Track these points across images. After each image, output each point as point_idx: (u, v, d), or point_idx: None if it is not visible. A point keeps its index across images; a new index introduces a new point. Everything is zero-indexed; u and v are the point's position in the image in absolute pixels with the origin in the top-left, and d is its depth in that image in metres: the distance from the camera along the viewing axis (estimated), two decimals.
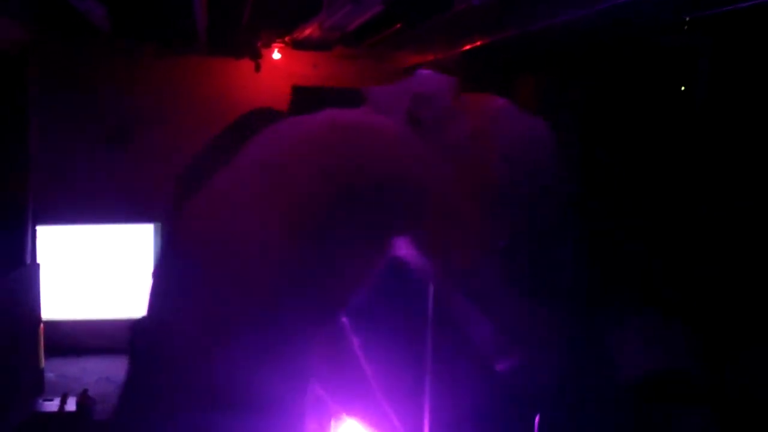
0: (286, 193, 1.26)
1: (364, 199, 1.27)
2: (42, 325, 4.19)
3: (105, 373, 4.50)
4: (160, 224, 5.04)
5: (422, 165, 1.33)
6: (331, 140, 1.32)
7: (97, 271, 5.06)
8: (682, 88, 3.57)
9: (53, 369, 4.45)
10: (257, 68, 4.84)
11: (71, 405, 3.62)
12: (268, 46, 4.76)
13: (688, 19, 3.04)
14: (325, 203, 1.25)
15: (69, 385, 4.17)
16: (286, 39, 4.63)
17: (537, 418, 2.75)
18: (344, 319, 1.58)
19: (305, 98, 4.95)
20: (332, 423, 1.86)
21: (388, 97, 1.49)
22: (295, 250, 1.22)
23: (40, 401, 3.78)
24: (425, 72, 1.56)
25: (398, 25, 3.73)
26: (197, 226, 1.32)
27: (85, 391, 3.70)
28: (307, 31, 4.18)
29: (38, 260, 4.24)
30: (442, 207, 1.33)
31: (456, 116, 1.44)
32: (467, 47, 3.94)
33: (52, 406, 3.66)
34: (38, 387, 4.13)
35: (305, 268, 1.24)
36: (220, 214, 1.28)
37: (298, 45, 4.65)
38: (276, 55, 4.84)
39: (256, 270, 1.22)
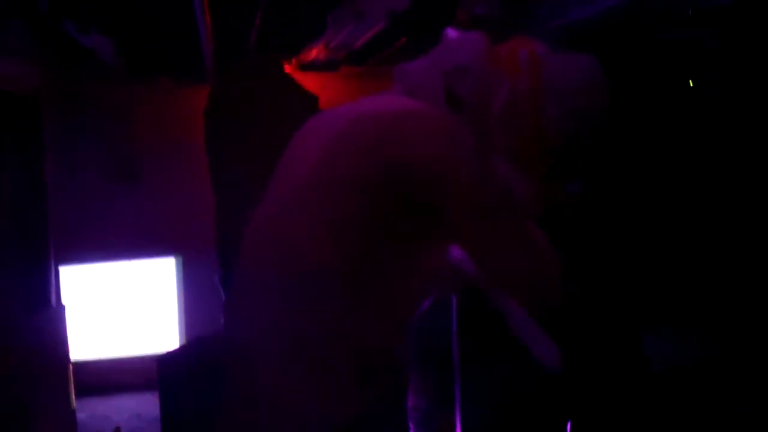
0: (331, 209, 1.19)
1: (406, 201, 1.19)
2: (71, 365, 4.19)
3: (136, 410, 4.49)
4: (180, 257, 5.05)
5: (456, 158, 1.20)
6: (364, 144, 1.22)
7: (121, 308, 5.07)
8: (690, 83, 3.55)
9: (84, 409, 4.45)
10: None
11: None
12: None
13: (691, 11, 3.02)
14: (368, 213, 1.18)
15: (101, 424, 4.16)
16: (293, 62, 4.65)
17: (569, 425, 2.70)
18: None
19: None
20: None
21: (418, 76, 1.37)
22: (348, 263, 1.17)
23: None
24: (453, 34, 1.41)
25: (402, 40, 3.75)
26: (260, 251, 1.29)
27: (117, 429, 3.70)
28: (314, 53, 4.20)
29: (63, 301, 4.25)
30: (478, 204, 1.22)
31: (496, 80, 1.31)
32: None
33: None
34: (71, 428, 4.12)
35: (366, 277, 1.19)
36: (278, 238, 1.24)
37: (305, 67, 4.67)
38: None
39: (321, 290, 1.18)
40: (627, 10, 2.82)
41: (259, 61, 3.75)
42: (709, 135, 3.40)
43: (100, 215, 4.78)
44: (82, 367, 4.60)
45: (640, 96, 3.59)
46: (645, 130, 3.63)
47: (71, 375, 4.19)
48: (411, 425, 1.29)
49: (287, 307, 1.21)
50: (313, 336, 1.18)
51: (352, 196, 1.18)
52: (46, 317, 3.98)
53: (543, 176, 1.30)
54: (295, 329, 1.19)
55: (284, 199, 1.28)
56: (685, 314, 3.17)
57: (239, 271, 1.36)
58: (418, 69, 1.38)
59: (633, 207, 3.38)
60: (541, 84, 1.31)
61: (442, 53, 1.38)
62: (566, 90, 1.30)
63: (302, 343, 1.18)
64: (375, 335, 1.21)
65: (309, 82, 4.99)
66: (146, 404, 4.52)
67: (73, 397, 4.22)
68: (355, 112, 1.29)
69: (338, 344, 1.18)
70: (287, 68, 4.81)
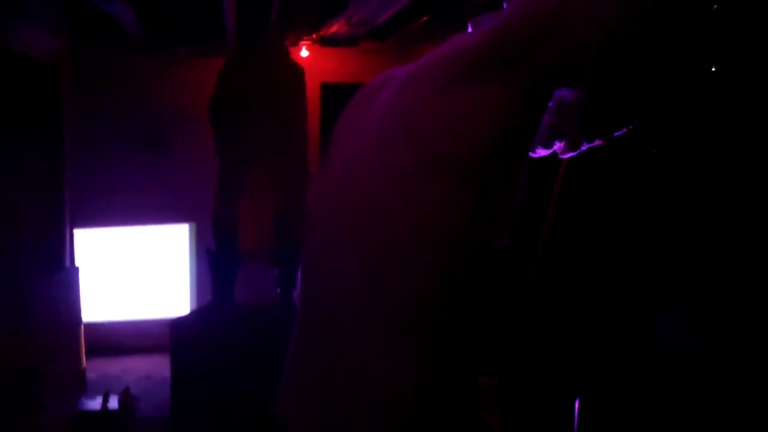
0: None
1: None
2: (82, 326, 4.27)
3: (145, 372, 4.57)
4: (194, 224, 5.10)
5: None
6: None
7: (134, 272, 5.13)
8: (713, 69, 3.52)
9: (94, 369, 4.53)
10: None
11: (113, 403, 3.69)
12: (296, 44, 4.78)
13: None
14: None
15: (110, 383, 4.24)
16: (314, 36, 4.65)
17: (577, 402, 2.74)
18: None
19: (334, 95, 4.97)
20: None
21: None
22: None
23: (83, 400, 3.85)
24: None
25: (425, 18, 3.73)
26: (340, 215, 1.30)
27: (127, 389, 3.77)
28: (334, 28, 4.19)
29: (77, 263, 4.31)
30: None
31: None
32: None
33: (95, 404, 3.73)
34: (80, 387, 4.21)
35: None
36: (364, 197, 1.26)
37: (326, 42, 4.66)
38: (304, 53, 4.86)
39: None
40: None
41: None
42: (731, 125, 3.38)
43: (117, 181, 4.83)
44: (95, 328, 4.68)
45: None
46: (669, 115, 3.61)
47: (82, 335, 4.27)
48: None
49: (377, 268, 1.20)
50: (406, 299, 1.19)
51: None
52: (59, 278, 4.05)
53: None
54: (384, 295, 1.20)
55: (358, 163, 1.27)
56: (696, 294, 3.18)
57: (312, 241, 1.35)
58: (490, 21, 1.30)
59: (658, 197, 3.38)
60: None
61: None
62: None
63: (392, 307, 1.19)
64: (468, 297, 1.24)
65: (328, 56, 5.00)
66: (156, 366, 4.60)
67: (84, 356, 4.30)
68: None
69: (428, 309, 1.20)
70: (307, 42, 4.82)
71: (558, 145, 1.38)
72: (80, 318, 4.24)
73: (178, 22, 4.01)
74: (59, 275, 4.05)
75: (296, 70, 3.74)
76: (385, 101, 1.27)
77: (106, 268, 5.05)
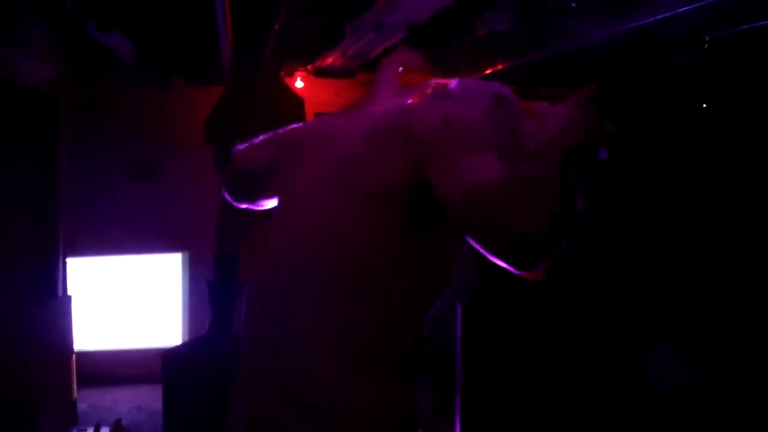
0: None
1: None
2: (74, 356, 4.23)
3: (136, 402, 4.53)
4: (187, 253, 5.10)
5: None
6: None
7: (126, 301, 5.11)
8: (704, 105, 3.57)
9: (86, 399, 4.49)
10: None
11: None
12: (291, 74, 4.82)
13: (707, 38, 3.05)
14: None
15: (101, 415, 4.20)
16: (309, 67, 4.69)
17: None
18: None
19: None
20: None
21: (470, 92, 1.54)
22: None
23: None
24: None
25: (420, 51, 3.77)
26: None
27: (118, 420, 3.73)
28: (329, 60, 4.23)
29: (69, 292, 4.29)
30: None
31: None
32: (489, 71, 3.97)
33: None
34: (72, 418, 4.16)
35: None
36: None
37: (321, 73, 4.70)
38: (299, 84, 4.90)
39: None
40: (642, 34, 2.85)
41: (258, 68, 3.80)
42: (722, 156, 3.42)
43: (110, 210, 4.83)
44: (86, 357, 4.64)
45: (653, 118, 3.62)
46: (658, 151, 3.65)
47: (74, 365, 4.23)
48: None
49: (339, 299, 1.26)
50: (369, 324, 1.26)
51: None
52: (51, 307, 4.02)
53: None
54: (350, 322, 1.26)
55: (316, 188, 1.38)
56: (688, 326, 3.19)
57: (271, 272, 1.39)
58: (470, 86, 1.65)
59: (643, 227, 3.41)
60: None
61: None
62: None
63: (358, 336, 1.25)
64: (420, 319, 1.33)
65: (324, 87, 5.04)
66: (147, 397, 4.56)
67: (75, 386, 4.26)
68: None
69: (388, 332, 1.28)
70: (302, 73, 4.86)
71: None
72: (72, 348, 4.21)
73: (175, 54, 4.04)
74: (52, 304, 4.03)
75: (296, 100, 3.78)
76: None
77: (98, 297, 5.02)
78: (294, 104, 3.84)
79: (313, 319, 1.27)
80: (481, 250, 1.18)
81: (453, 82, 1.59)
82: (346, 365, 1.24)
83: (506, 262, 1.15)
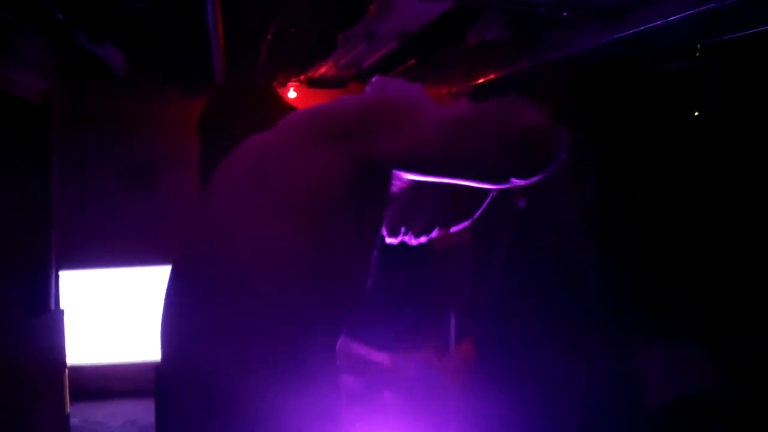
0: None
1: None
2: (67, 370, 4.20)
3: (131, 416, 4.49)
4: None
5: None
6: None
7: (120, 314, 5.07)
8: (696, 113, 3.58)
9: (79, 414, 4.45)
10: None
11: None
12: (284, 84, 4.82)
13: (699, 46, 3.06)
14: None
15: (95, 429, 4.16)
16: (302, 78, 4.69)
17: None
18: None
19: None
20: None
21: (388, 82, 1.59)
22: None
23: None
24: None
25: (412, 61, 3.78)
26: (198, 252, 1.33)
27: None
28: (322, 70, 4.23)
29: (62, 305, 4.26)
30: None
31: None
32: (481, 80, 3.97)
33: None
34: None
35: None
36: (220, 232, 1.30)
37: (313, 83, 4.70)
38: (292, 94, 4.89)
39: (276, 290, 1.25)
40: (635, 41, 2.86)
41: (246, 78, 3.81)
42: (715, 165, 3.42)
43: (103, 222, 4.81)
44: (79, 371, 4.61)
45: (644, 127, 3.62)
46: (650, 160, 3.65)
47: (67, 379, 4.20)
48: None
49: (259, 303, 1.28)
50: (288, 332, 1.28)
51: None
52: (44, 321, 4.00)
53: None
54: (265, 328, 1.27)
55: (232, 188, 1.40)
56: (680, 327, 3.18)
57: (189, 278, 1.39)
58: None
59: (640, 238, 3.41)
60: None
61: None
62: None
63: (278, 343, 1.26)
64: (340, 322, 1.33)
65: (316, 97, 5.03)
66: (141, 411, 4.52)
67: (68, 401, 4.23)
68: None
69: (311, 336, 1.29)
70: (295, 83, 4.86)
71: (403, 237, 1.49)
72: (65, 361, 4.18)
73: (167, 64, 4.04)
74: (44, 318, 4.01)
75: (289, 111, 3.76)
76: (260, 144, 1.38)
77: (92, 310, 4.99)
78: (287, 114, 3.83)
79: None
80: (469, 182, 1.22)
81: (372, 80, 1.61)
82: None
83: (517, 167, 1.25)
